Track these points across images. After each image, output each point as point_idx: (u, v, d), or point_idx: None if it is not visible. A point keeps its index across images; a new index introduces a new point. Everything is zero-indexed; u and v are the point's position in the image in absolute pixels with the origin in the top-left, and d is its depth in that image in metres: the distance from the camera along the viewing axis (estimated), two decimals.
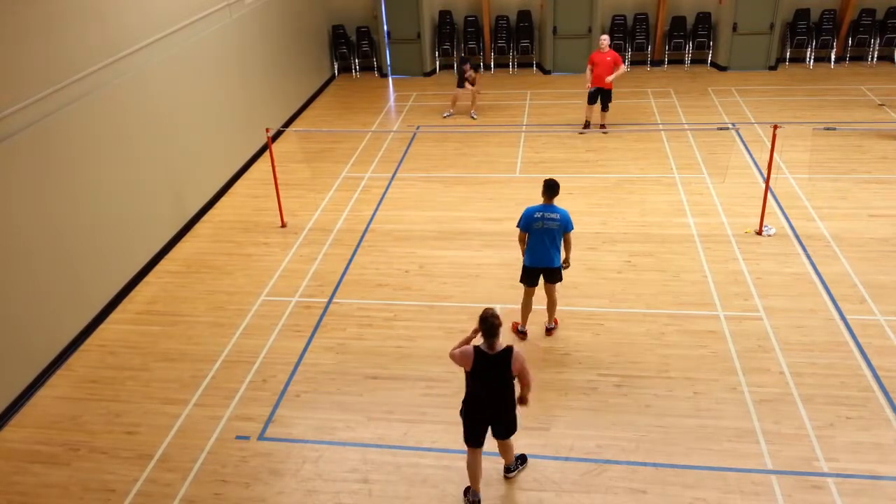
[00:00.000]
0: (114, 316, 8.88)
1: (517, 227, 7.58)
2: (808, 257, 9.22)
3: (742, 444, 6.46)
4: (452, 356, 5.71)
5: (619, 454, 6.44)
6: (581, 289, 8.81)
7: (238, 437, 6.86)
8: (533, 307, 7.94)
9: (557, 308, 8.07)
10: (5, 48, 7.36)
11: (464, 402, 5.84)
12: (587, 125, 13.54)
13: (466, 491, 6.09)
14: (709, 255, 9.36)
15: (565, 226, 7.42)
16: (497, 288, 8.90)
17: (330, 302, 8.85)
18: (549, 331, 8.06)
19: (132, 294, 9.28)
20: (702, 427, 6.68)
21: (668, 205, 10.71)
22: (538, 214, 7.37)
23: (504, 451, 6.16)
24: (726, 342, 7.78)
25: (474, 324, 8.13)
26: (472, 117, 14.45)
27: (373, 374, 7.58)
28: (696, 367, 7.43)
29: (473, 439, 5.85)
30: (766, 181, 9.85)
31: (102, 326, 8.68)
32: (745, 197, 10.78)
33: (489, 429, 5.87)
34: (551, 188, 7.43)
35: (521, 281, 7.77)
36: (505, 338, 7.97)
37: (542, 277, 7.70)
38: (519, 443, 6.58)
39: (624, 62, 13.34)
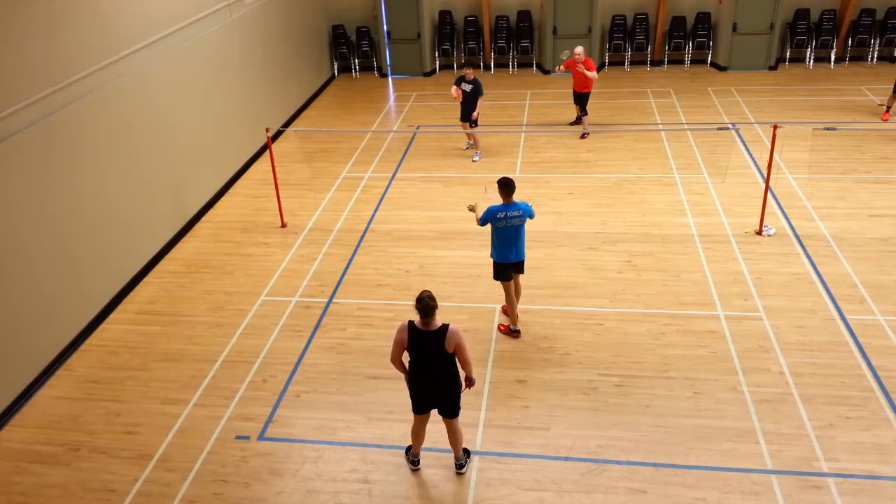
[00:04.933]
0: (114, 316, 8.88)
1: (478, 221, 7.68)
2: (808, 257, 9.22)
3: (742, 444, 6.46)
4: (391, 355, 5.96)
5: (619, 454, 6.44)
6: (581, 289, 8.81)
7: (238, 437, 6.86)
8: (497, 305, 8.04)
9: (555, 308, 8.05)
10: (5, 48, 7.37)
11: (408, 373, 6.08)
12: (578, 119, 13.74)
13: (408, 451, 6.49)
14: (709, 255, 9.36)
15: (528, 214, 7.62)
16: (496, 288, 8.87)
17: (330, 302, 8.85)
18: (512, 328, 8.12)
19: (132, 294, 9.28)
20: (702, 427, 6.68)
21: (668, 205, 10.71)
22: (501, 214, 7.51)
23: (452, 438, 6.24)
24: (726, 342, 7.78)
25: (474, 323, 8.24)
26: (474, 159, 12.60)
27: (373, 374, 7.58)
28: (696, 367, 7.43)
29: (418, 409, 6.13)
30: (766, 181, 9.85)
31: (102, 326, 8.68)
32: (745, 197, 10.78)
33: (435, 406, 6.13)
34: (508, 186, 7.52)
35: (497, 278, 7.88)
36: (498, 342, 8.00)
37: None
38: (520, 442, 6.60)
39: (598, 68, 13.41)
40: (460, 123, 12.82)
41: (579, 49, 12.78)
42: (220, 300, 9.02)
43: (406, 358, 6.01)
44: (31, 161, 7.66)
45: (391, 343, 8.06)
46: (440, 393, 6.01)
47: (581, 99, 13.20)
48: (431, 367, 5.89)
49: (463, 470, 6.33)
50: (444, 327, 5.77)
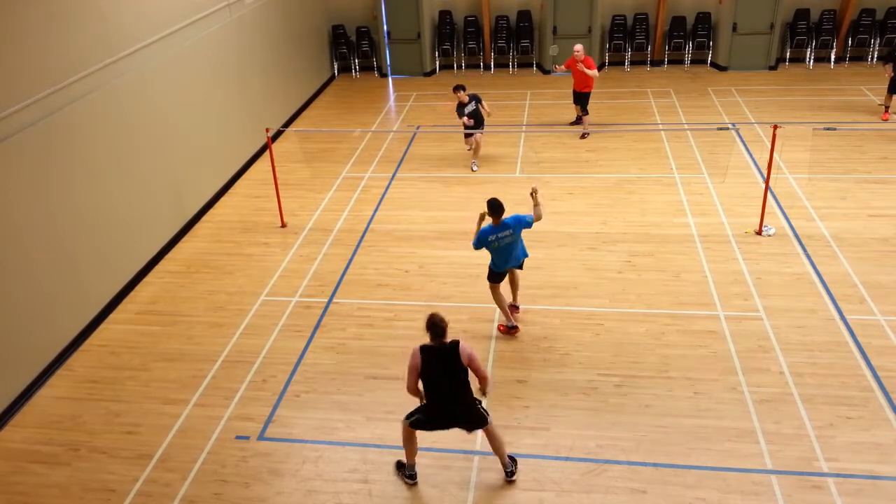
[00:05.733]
0: (114, 316, 8.87)
1: (472, 244, 7.72)
2: (808, 257, 9.22)
3: (742, 444, 6.46)
4: (407, 384, 5.86)
5: (619, 454, 6.44)
6: (581, 289, 8.81)
7: (238, 437, 6.86)
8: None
9: (555, 308, 8.04)
10: (5, 48, 7.37)
11: (422, 408, 5.96)
12: (578, 119, 13.63)
13: (400, 466, 6.33)
14: (709, 255, 9.36)
15: (525, 226, 7.63)
16: None
17: (330, 302, 8.85)
18: (516, 308, 8.26)
19: (132, 294, 9.28)
20: (702, 427, 6.68)
21: (668, 205, 10.71)
22: (492, 237, 7.57)
23: (494, 446, 6.13)
24: (726, 342, 7.78)
25: (474, 324, 8.24)
26: (473, 169, 12.28)
27: (373, 374, 7.58)
28: (696, 367, 7.43)
29: (420, 425, 6.00)
30: (766, 181, 9.85)
31: (102, 326, 8.68)
32: (745, 197, 10.78)
33: (459, 427, 6.05)
34: (495, 209, 7.48)
35: (491, 279, 7.91)
36: (498, 342, 8.00)
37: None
38: (520, 442, 6.60)
39: (598, 68, 13.22)
40: (465, 140, 12.53)
41: (578, 47, 12.73)
42: (220, 300, 9.02)
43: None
44: (31, 161, 7.66)
45: (390, 340, 8.08)
46: (460, 410, 5.90)
47: (581, 99, 13.17)
48: (449, 385, 5.81)
49: (513, 477, 6.21)
50: (455, 342, 5.77)
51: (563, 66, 13.20)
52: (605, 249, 9.63)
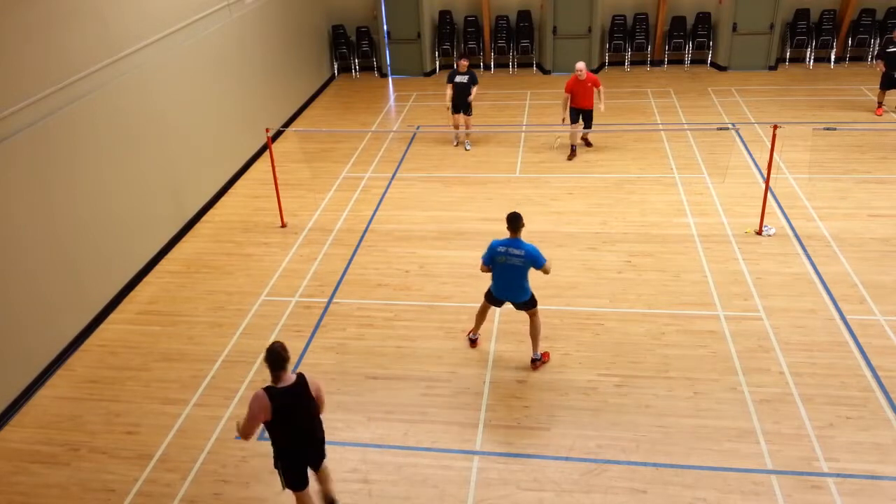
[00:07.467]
0: (114, 316, 8.87)
1: (482, 259, 7.22)
2: (808, 257, 9.22)
3: (742, 444, 6.47)
4: (243, 430, 5.26)
5: (619, 454, 6.44)
6: (581, 289, 8.81)
7: (238, 438, 6.85)
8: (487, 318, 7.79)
9: (554, 308, 7.92)
10: (5, 48, 7.37)
11: (277, 452, 5.47)
12: (573, 152, 12.48)
13: None
14: (709, 255, 9.36)
15: (533, 262, 6.97)
16: None
17: (330, 302, 8.85)
18: (533, 363, 7.52)
19: (132, 294, 9.28)
20: (702, 427, 6.68)
21: (668, 205, 10.71)
22: (502, 248, 6.99)
23: (325, 480, 5.85)
24: (726, 342, 7.78)
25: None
26: (467, 148, 13.07)
27: (373, 374, 7.58)
28: (696, 367, 7.43)
29: (299, 483, 5.56)
30: (766, 181, 9.85)
31: (102, 326, 8.68)
32: (745, 197, 10.78)
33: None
34: (512, 222, 6.98)
35: (485, 295, 7.49)
36: (498, 342, 7.99)
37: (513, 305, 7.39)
38: (520, 442, 6.60)
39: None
40: (452, 116, 12.99)
41: (580, 65, 12.11)
42: (220, 300, 9.02)
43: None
44: (31, 161, 7.66)
45: (390, 340, 8.05)
46: (314, 445, 5.56)
47: (587, 117, 12.41)
48: (306, 423, 5.40)
49: None
50: (302, 376, 5.36)
51: (565, 92, 12.35)
52: (604, 249, 9.63)
